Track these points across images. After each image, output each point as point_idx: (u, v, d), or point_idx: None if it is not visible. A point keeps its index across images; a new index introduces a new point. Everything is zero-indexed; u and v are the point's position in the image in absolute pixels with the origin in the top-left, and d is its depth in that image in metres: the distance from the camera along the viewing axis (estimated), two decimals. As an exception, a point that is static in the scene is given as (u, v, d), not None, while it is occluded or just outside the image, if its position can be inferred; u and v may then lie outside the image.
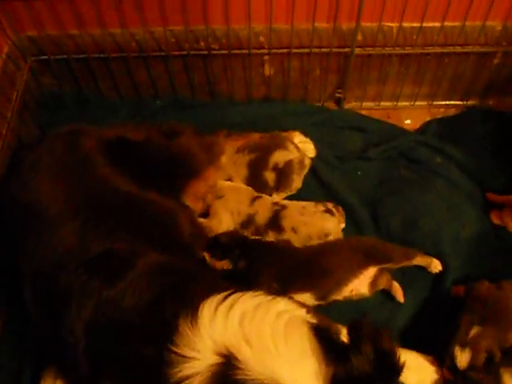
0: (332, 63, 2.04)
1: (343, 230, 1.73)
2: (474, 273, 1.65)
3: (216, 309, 1.08)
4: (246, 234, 1.69)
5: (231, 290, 1.14)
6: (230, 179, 1.82)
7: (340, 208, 1.73)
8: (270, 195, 1.81)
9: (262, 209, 1.69)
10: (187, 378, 1.01)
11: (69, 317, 1.21)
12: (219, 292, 1.13)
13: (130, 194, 1.48)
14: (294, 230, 1.66)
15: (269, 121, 2.03)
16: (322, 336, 1.05)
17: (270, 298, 1.14)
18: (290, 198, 1.84)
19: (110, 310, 1.19)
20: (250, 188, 1.78)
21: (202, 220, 1.73)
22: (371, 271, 1.57)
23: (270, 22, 1.85)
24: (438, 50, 2.00)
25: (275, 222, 1.67)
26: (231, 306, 1.08)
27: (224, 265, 1.53)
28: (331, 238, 1.67)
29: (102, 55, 1.96)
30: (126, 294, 1.19)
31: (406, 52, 2.00)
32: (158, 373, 1.05)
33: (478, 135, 2.08)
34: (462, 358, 1.36)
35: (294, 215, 1.67)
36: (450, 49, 1.99)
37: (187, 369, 1.01)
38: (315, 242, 1.66)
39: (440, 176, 1.91)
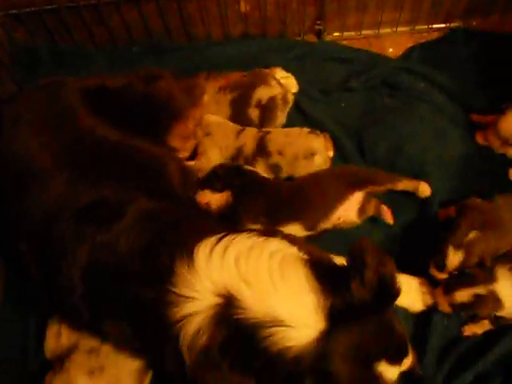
0: (308, -7, 2.00)
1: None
2: (460, 194, 1.67)
3: (211, 250, 1.11)
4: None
5: (224, 232, 1.16)
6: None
7: (327, 135, 1.74)
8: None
9: (249, 139, 1.71)
10: (189, 315, 1.05)
11: (65, 265, 1.24)
12: (213, 234, 1.15)
13: (114, 142, 1.47)
14: (279, 153, 1.68)
15: (248, 59, 2.01)
16: (317, 269, 1.08)
17: (262, 238, 1.16)
18: (275, 134, 1.84)
19: (105, 255, 1.22)
20: (234, 124, 1.78)
21: (189, 163, 1.74)
22: (357, 196, 1.59)
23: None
24: (417, -30, 1.95)
25: (262, 147, 1.69)
26: (226, 248, 1.11)
27: (224, 197, 1.56)
28: (317, 157, 1.68)
29: (72, 4, 1.91)
30: (120, 240, 1.21)
31: (384, -25, 1.96)
32: (158, 312, 1.09)
33: (462, 57, 2.06)
34: (454, 259, 1.42)
35: (279, 138, 1.70)
36: (430, -32, 1.95)
37: (188, 308, 1.05)
38: (302, 163, 1.67)
39: (423, 101, 1.90)
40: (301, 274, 1.06)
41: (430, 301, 1.51)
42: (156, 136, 1.62)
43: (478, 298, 1.37)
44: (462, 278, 1.41)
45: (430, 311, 1.50)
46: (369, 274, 0.99)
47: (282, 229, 1.53)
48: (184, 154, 1.74)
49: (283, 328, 0.98)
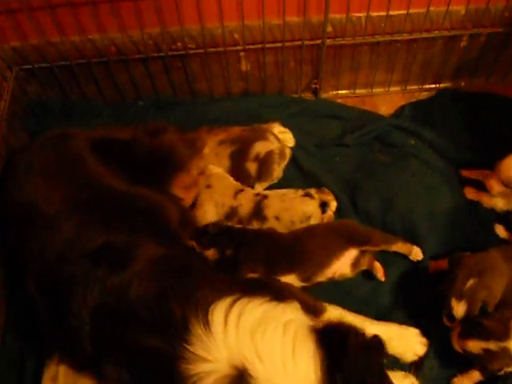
0: (305, 55, 2.11)
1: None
2: (449, 248, 1.73)
3: (226, 316, 1.15)
4: (230, 224, 1.75)
5: (237, 295, 1.20)
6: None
7: (325, 189, 1.81)
8: (253, 185, 1.88)
9: (245, 201, 1.76)
10: (203, 374, 1.09)
11: (75, 303, 1.28)
12: (225, 294, 1.20)
13: (121, 191, 1.56)
14: (276, 218, 1.74)
15: (248, 114, 2.11)
16: (323, 344, 1.13)
17: (274, 304, 1.22)
18: (271, 187, 1.91)
19: (116, 299, 1.26)
20: (235, 181, 1.84)
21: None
22: (352, 253, 1.64)
23: (242, 19, 1.92)
24: (406, 36, 2.08)
25: (258, 212, 1.74)
26: (240, 315, 1.16)
27: (211, 253, 1.60)
28: (313, 220, 1.74)
29: (83, 61, 2.03)
30: (132, 285, 1.26)
31: (376, 40, 2.08)
32: (166, 364, 1.13)
33: (450, 116, 2.15)
34: (459, 309, 1.44)
35: (276, 203, 1.74)
36: (418, 35, 2.07)
37: (203, 367, 1.10)
38: (298, 226, 1.73)
39: (414, 157, 1.98)
40: (310, 356, 1.11)
41: (421, 352, 1.53)
42: (160, 185, 1.71)
43: (488, 352, 1.38)
44: (476, 327, 1.41)
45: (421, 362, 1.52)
46: (359, 359, 1.08)
47: (278, 278, 1.57)
48: (186, 203, 1.80)
49: None
